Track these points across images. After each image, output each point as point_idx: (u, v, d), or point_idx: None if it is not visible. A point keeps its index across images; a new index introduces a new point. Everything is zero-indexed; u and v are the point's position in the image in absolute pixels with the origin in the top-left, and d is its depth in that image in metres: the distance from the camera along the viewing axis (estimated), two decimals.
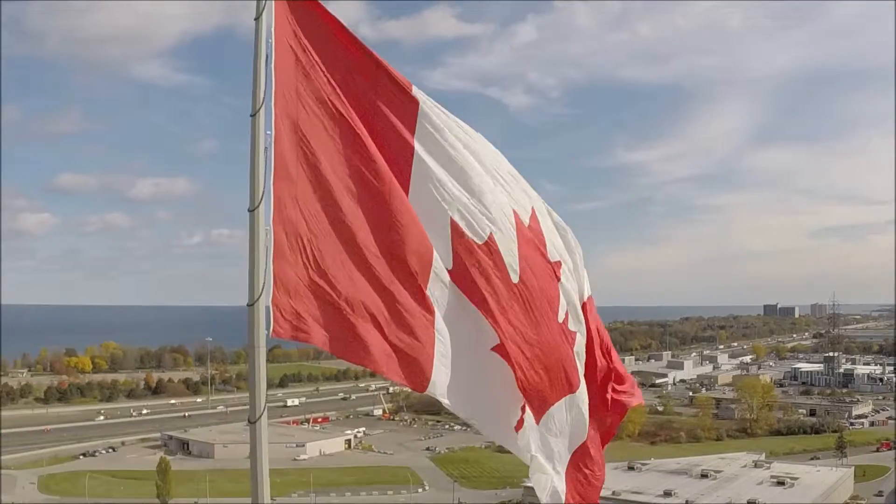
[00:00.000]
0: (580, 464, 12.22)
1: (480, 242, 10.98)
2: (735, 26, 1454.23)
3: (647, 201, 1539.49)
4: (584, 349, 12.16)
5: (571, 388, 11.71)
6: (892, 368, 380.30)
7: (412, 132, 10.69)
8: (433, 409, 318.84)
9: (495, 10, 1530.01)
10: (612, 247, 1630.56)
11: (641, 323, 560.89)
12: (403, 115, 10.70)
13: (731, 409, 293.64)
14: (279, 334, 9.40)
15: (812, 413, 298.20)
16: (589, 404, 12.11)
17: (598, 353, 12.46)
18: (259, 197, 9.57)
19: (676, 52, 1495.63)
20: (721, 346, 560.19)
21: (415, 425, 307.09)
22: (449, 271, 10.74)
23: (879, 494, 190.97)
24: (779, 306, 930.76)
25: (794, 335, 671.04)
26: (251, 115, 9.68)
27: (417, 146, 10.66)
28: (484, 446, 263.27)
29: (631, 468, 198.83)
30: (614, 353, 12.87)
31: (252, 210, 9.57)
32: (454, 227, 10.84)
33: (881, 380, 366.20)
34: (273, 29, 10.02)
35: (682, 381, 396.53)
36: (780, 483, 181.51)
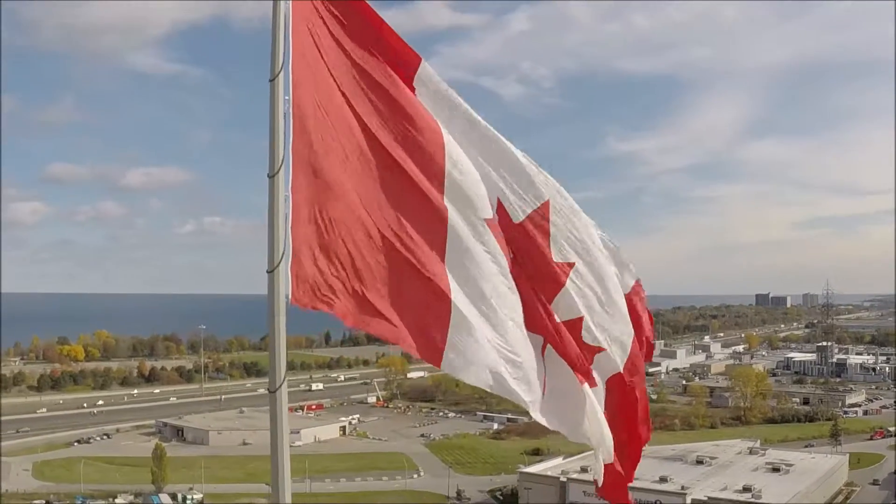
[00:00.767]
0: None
1: (489, 217, 10.84)
2: (730, 18, 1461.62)
3: (641, 192, 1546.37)
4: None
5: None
6: (884, 358, 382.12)
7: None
8: (427, 396, 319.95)
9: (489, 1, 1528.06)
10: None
11: None
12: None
13: (725, 397, 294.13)
14: (298, 303, 9.36)
15: (806, 402, 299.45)
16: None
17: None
18: (279, 163, 9.50)
19: (671, 43, 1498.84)
20: (713, 336, 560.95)
21: (409, 412, 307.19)
22: (487, 220, 10.63)
23: (875, 483, 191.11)
24: (771, 296, 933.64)
25: (786, 325, 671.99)
26: (270, 80, 9.61)
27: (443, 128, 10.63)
28: (478, 433, 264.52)
29: None
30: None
31: (272, 176, 9.52)
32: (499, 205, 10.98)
33: (874, 369, 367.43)
34: None
35: (675, 369, 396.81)
36: (776, 469, 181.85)
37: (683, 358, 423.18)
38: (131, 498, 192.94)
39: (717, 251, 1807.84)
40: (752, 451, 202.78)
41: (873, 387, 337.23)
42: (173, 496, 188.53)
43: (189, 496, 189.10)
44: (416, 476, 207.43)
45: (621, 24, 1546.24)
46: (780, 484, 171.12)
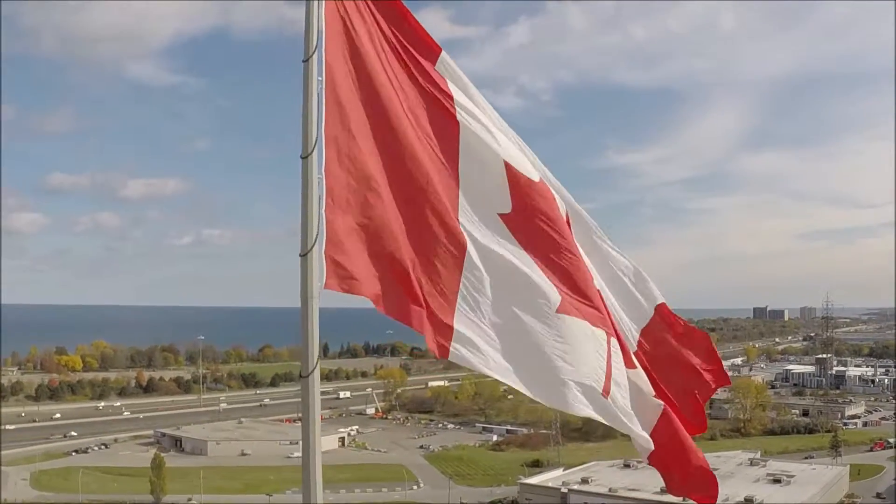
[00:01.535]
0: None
1: (536, 180, 10.95)
2: (727, 29, 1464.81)
3: (638, 203, 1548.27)
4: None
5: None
6: (883, 370, 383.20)
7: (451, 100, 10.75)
8: (425, 407, 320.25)
9: (488, 11, 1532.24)
10: None
11: None
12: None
13: (725, 408, 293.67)
14: (332, 286, 9.28)
15: (805, 413, 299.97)
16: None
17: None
18: (312, 144, 9.48)
19: (668, 54, 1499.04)
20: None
21: (408, 423, 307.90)
22: (503, 216, 10.65)
23: (879, 497, 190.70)
24: (768, 309, 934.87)
25: (784, 338, 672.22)
26: (303, 61, 9.62)
27: (458, 111, 10.72)
28: (478, 444, 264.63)
29: (627, 465, 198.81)
30: None
31: (305, 157, 9.52)
32: (508, 168, 10.76)
33: (873, 381, 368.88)
34: None
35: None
36: (777, 481, 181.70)
37: None
38: None
39: (714, 263, 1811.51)
40: (752, 463, 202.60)
41: (872, 398, 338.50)
42: None
43: None
44: (415, 487, 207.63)
45: (620, 35, 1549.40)
46: (782, 495, 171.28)
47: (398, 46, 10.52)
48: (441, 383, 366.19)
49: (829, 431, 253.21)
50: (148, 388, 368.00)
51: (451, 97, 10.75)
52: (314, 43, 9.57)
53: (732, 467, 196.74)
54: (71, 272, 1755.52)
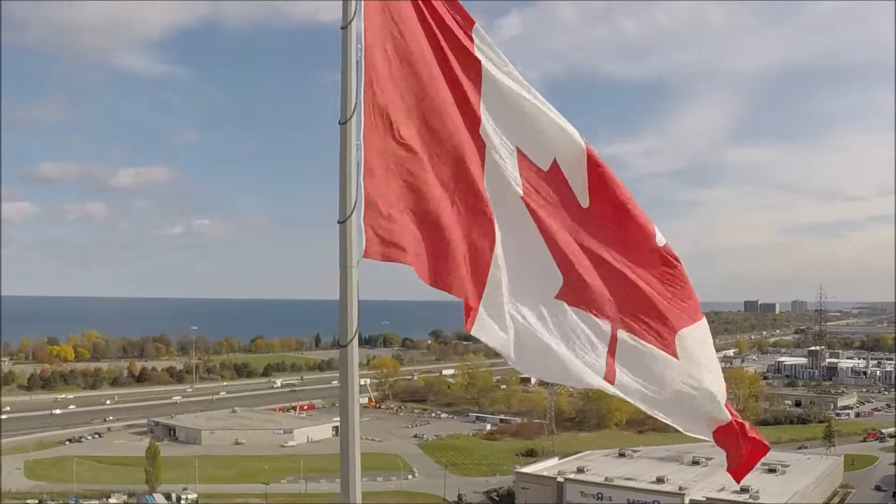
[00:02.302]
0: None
1: (546, 170, 10.72)
2: (716, 23, 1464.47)
3: None
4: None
5: (692, 318, 10.76)
6: (875, 362, 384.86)
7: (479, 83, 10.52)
8: (419, 397, 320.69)
9: (481, 4, 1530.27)
10: None
11: None
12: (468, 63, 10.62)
13: None
14: (371, 255, 9.31)
15: (798, 404, 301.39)
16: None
17: None
18: (350, 110, 9.40)
19: (658, 47, 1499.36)
20: None
21: (401, 413, 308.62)
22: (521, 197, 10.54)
23: (879, 489, 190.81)
24: (759, 303, 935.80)
25: (775, 330, 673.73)
26: (342, 28, 9.59)
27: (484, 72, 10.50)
28: (471, 434, 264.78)
29: (622, 455, 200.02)
30: None
31: (343, 123, 9.42)
32: (520, 154, 10.67)
33: (865, 373, 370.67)
34: None
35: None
36: (772, 470, 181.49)
37: None
38: (125, 498, 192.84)
39: (704, 256, 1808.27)
40: None
41: (864, 390, 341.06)
42: (167, 496, 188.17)
43: (183, 496, 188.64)
44: (410, 477, 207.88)
45: (609, 28, 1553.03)
46: (778, 484, 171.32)
47: (434, 18, 10.41)
48: (451, 371, 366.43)
49: (821, 422, 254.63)
50: (140, 378, 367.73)
51: (479, 75, 10.59)
52: (353, 9, 9.56)
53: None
54: (60, 262, 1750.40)
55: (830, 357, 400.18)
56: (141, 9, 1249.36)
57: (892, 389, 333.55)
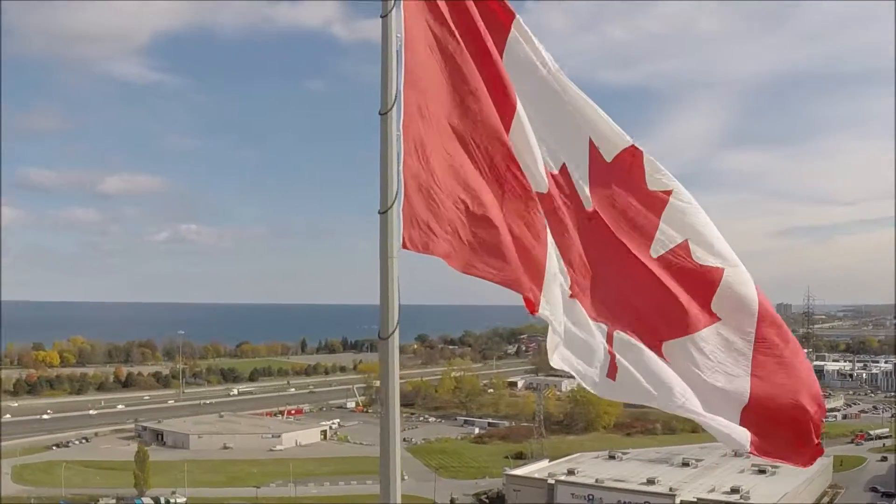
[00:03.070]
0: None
1: (556, 171, 10.96)
2: (706, 30, 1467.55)
3: None
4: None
5: (686, 329, 10.73)
6: (861, 365, 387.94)
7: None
8: (407, 401, 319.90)
9: None
10: None
11: None
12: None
13: None
14: (409, 246, 9.30)
15: None
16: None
17: None
18: (391, 100, 9.46)
19: (647, 54, 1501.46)
20: None
21: None
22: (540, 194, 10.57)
23: (874, 490, 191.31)
24: None
25: None
26: (381, 17, 9.64)
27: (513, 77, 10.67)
28: (460, 437, 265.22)
29: (612, 457, 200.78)
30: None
31: (384, 114, 9.48)
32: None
33: (851, 376, 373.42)
34: None
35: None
36: (762, 471, 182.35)
37: None
38: (113, 502, 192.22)
39: None
40: (736, 454, 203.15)
41: (850, 392, 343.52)
42: (156, 500, 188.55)
43: (172, 499, 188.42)
44: (400, 480, 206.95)
45: (598, 36, 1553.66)
46: (768, 485, 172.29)
47: (474, 10, 10.47)
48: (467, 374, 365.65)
49: None
50: (126, 384, 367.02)
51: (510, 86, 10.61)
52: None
53: (717, 458, 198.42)
54: (47, 268, 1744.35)
55: (817, 360, 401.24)
56: (131, 16, 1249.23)
57: (878, 392, 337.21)
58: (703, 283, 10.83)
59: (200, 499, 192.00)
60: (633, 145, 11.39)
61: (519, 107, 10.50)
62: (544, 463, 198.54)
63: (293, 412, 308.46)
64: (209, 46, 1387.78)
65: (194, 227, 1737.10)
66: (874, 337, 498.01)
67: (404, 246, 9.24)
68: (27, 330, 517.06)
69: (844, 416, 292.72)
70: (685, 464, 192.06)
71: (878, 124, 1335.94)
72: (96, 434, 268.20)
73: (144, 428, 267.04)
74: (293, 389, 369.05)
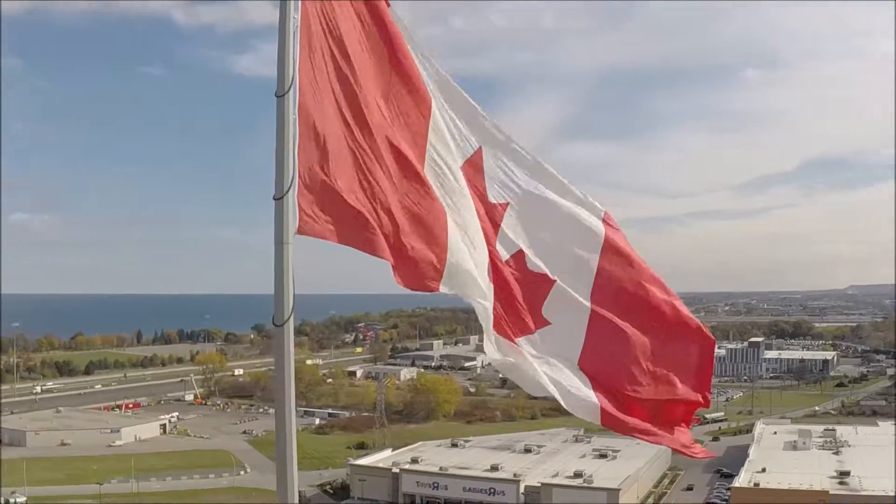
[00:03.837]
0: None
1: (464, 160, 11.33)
2: (550, 25, 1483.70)
3: None
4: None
5: (523, 331, 11.54)
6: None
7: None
8: (245, 392, 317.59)
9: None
10: None
11: (445, 309, 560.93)
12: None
13: None
14: (305, 232, 9.30)
15: None
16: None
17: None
18: (288, 83, 9.42)
19: (491, 47, 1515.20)
20: None
21: (228, 409, 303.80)
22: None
23: (720, 473, 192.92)
24: None
25: None
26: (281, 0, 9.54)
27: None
28: (301, 428, 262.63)
29: (454, 445, 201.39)
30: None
31: (280, 96, 9.43)
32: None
33: None
34: None
35: (491, 363, 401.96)
36: (603, 455, 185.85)
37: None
38: None
39: None
40: (577, 439, 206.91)
41: None
42: None
43: (12, 500, 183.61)
44: (242, 473, 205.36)
45: (442, 27, 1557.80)
46: (610, 469, 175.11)
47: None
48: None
49: None
50: None
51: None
52: None
53: (558, 444, 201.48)
54: None
55: None
56: None
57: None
58: (536, 290, 11.44)
59: (42, 498, 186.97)
60: (479, 150, 11.48)
61: (429, 95, 10.75)
62: (387, 452, 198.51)
63: (131, 406, 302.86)
64: (45, 28, 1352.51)
65: (26, 216, 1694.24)
66: (707, 323, 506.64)
67: (300, 231, 9.26)
68: None
69: None
70: (527, 450, 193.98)
71: (711, 119, 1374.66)
72: None
73: None
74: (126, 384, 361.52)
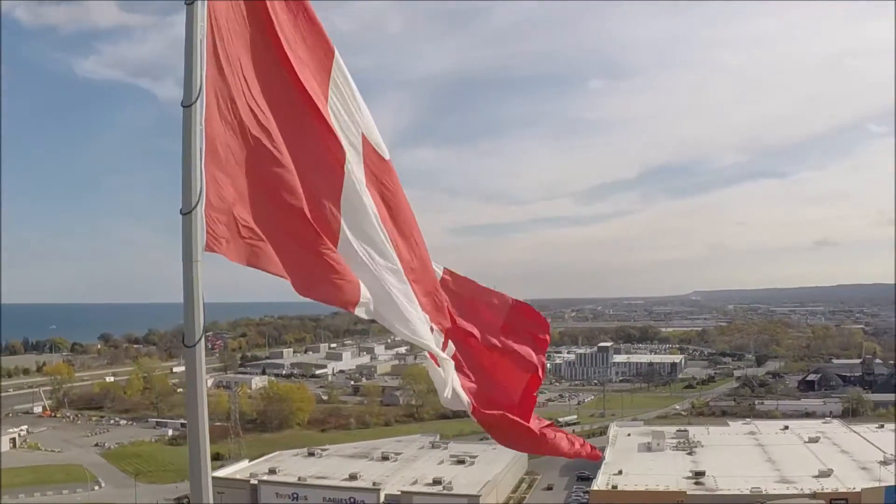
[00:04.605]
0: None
1: (386, 158, 12.33)
2: (394, 29, 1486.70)
3: None
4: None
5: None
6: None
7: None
8: (95, 403, 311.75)
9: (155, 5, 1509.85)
10: None
11: (292, 317, 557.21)
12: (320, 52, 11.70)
13: (396, 395, 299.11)
14: (213, 249, 9.19)
15: None
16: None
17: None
18: (195, 92, 9.19)
19: (340, 50, 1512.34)
20: (376, 338, 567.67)
21: (78, 421, 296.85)
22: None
23: (581, 478, 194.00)
24: None
25: None
26: (187, 4, 9.35)
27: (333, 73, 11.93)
28: (154, 440, 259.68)
29: (311, 454, 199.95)
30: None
31: (187, 106, 9.17)
32: (364, 141, 11.89)
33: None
34: None
35: (342, 371, 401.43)
36: (461, 462, 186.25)
37: (349, 360, 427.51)
38: None
39: None
40: (434, 446, 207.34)
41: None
42: None
43: None
44: (97, 488, 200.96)
45: None
46: (468, 475, 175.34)
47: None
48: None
49: None
50: None
51: (332, 61, 11.95)
52: None
53: (415, 451, 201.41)
54: None
55: None
56: None
57: (563, 381, 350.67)
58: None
59: None
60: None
61: (332, 97, 11.46)
62: (244, 463, 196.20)
63: None
64: None
65: None
66: (555, 329, 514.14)
67: (207, 248, 9.06)
68: None
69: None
70: (385, 457, 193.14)
71: (553, 127, 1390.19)
72: None
73: None
74: None
